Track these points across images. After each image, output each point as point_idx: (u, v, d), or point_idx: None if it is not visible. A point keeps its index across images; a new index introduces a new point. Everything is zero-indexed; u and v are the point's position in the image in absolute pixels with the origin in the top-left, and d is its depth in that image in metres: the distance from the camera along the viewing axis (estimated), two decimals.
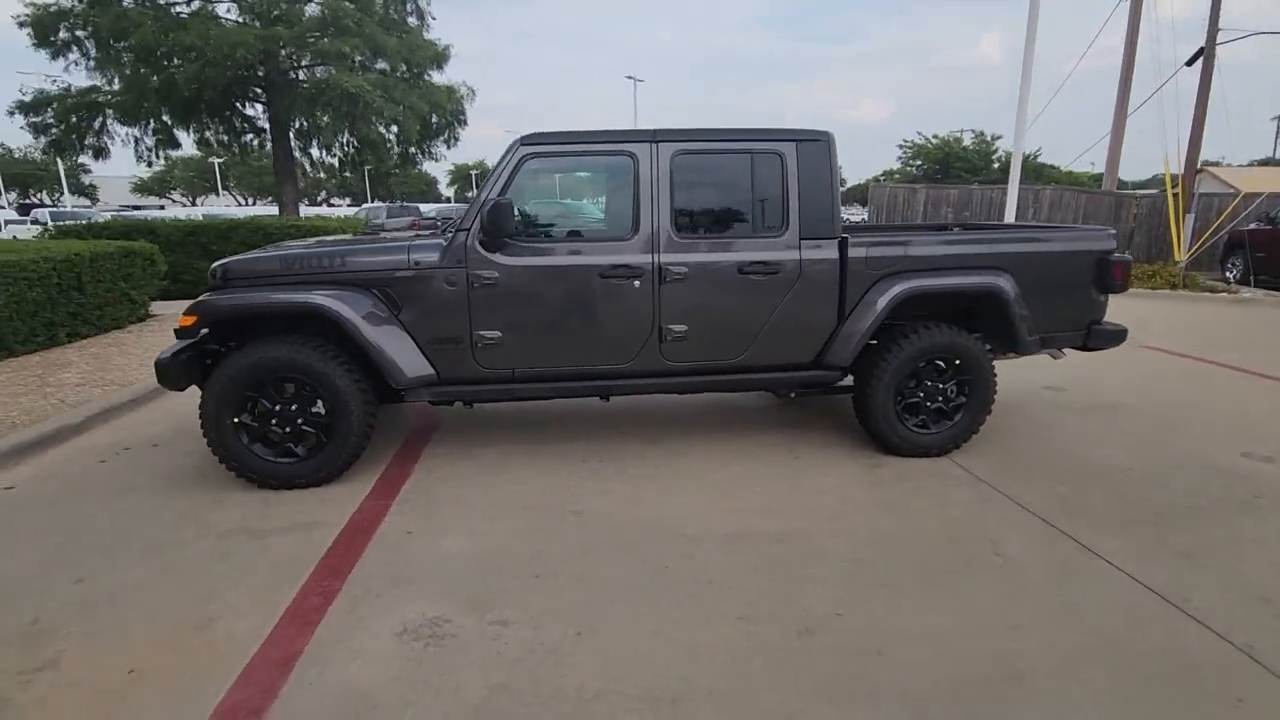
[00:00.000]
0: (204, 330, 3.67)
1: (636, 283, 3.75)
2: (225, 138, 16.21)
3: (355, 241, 4.04)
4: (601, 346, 3.84)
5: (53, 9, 13.22)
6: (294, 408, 3.61)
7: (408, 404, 4.42)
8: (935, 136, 49.49)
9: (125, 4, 12.90)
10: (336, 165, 17.00)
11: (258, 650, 2.36)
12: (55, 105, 14.39)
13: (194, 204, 53.88)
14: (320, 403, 3.61)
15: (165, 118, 14.69)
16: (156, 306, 8.66)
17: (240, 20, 14.15)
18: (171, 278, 8.97)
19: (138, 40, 12.31)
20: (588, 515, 3.41)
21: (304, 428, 3.63)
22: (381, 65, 15.07)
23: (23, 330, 6.33)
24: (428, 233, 4.04)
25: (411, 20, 15.83)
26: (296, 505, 3.49)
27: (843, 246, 3.91)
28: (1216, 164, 28.01)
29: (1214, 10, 13.40)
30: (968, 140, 48.06)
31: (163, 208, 45.80)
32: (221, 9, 14.04)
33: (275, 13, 13.36)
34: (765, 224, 3.88)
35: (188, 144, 16.50)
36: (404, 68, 15.31)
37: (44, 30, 13.23)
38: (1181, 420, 4.79)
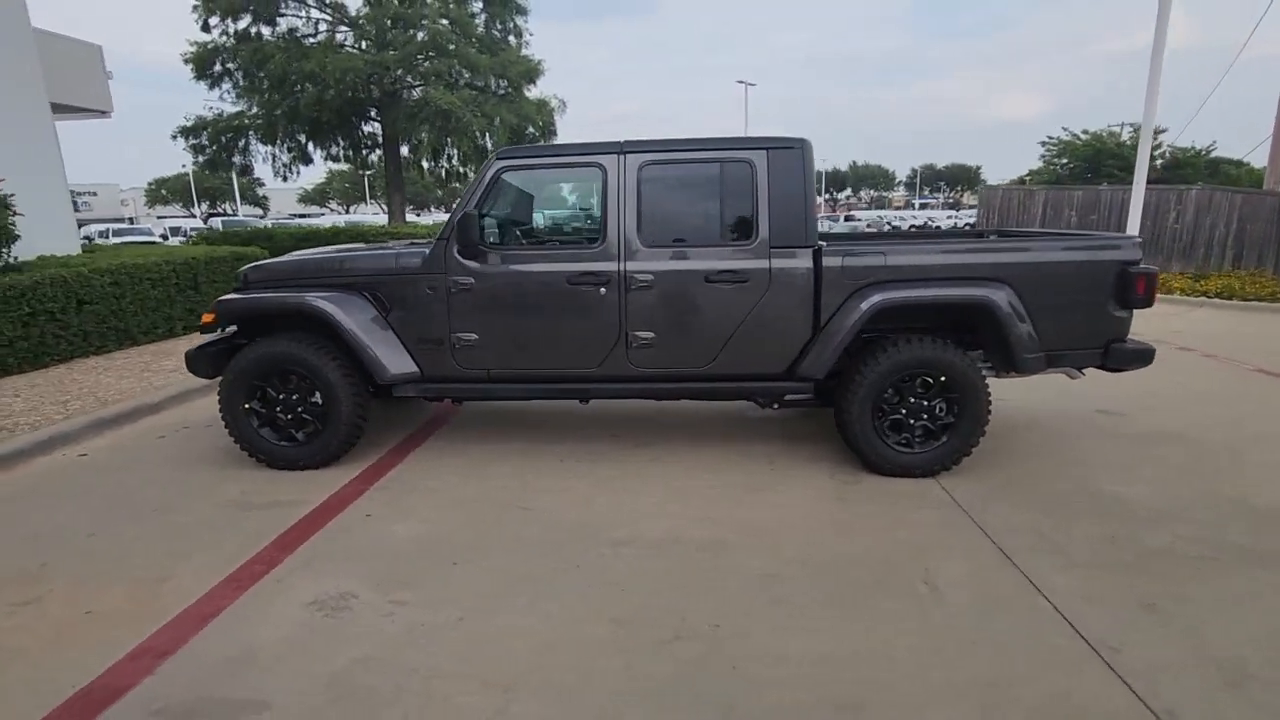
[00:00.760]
0: (230, 328, 4.20)
1: (603, 290, 3.87)
2: (349, 152, 18.04)
3: (357, 249, 4.44)
4: (570, 351, 3.99)
5: (209, 46, 15.38)
6: (295, 397, 4.04)
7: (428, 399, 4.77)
8: (1085, 132, 44.99)
9: (265, 39, 14.78)
10: (443, 175, 18.35)
11: (191, 605, 2.71)
12: (209, 129, 16.66)
13: (347, 211, 59.46)
14: (318, 394, 4.02)
15: (300, 137, 16.62)
16: None
17: (357, 47, 15.71)
18: None
19: (270, 70, 14.06)
20: (535, 512, 3.57)
21: (304, 416, 4.06)
22: (477, 82, 16.11)
23: (145, 323, 7.41)
24: (423, 240, 4.36)
25: (511, 39, 16.82)
26: (289, 484, 3.90)
27: (817, 256, 3.81)
28: None
29: None
30: (1126, 135, 43.33)
31: (323, 215, 51.20)
32: (341, 37, 15.66)
33: (386, 39, 14.72)
34: (734, 233, 3.86)
35: (319, 160, 18.45)
36: (499, 83, 16.30)
37: (202, 65, 15.44)
38: (1243, 458, 4.21)
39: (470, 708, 2.15)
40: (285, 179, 18.26)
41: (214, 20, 15.16)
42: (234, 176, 36.04)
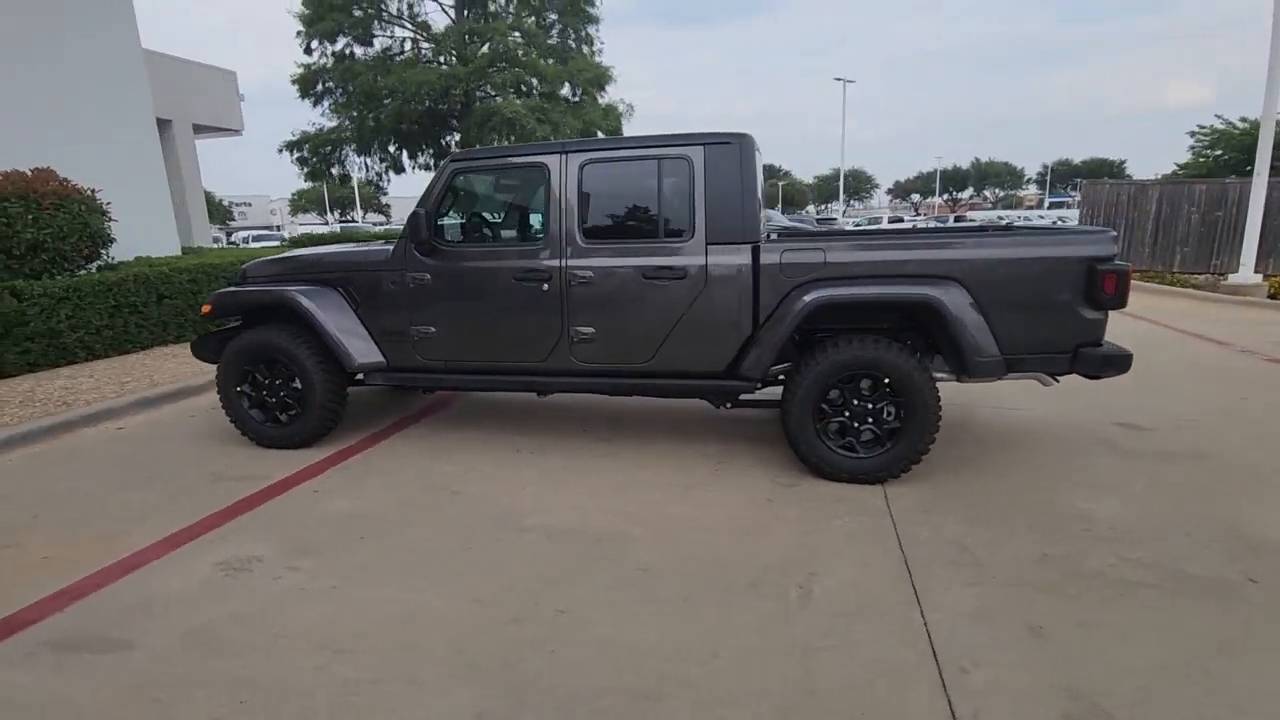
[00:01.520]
0: (232, 320, 4.67)
1: (545, 286, 3.98)
2: (435, 160, 19.19)
3: (341, 247, 4.79)
4: (517, 345, 4.12)
5: (313, 67, 16.97)
6: (279, 383, 4.43)
7: (399, 388, 5.08)
8: (1244, 120, 39.87)
9: (357, 58, 16.14)
10: None
11: (125, 558, 3.07)
12: (309, 143, 18.30)
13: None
14: (297, 379, 4.39)
15: (390, 147, 17.93)
16: None
17: (439, 62, 16.77)
18: None
19: (359, 86, 15.31)
20: (464, 496, 3.73)
21: (286, 400, 4.44)
22: (544, 90, 16.70)
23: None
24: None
25: (584, 48, 17.33)
26: (267, 461, 4.28)
27: (755, 252, 3.74)
28: None
29: None
30: None
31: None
32: (425, 52, 16.77)
33: (462, 52, 15.62)
34: (671, 229, 3.86)
35: (411, 168, 19.77)
36: (574, 90, 16.83)
37: (306, 85, 17.04)
38: (1268, 483, 3.71)
39: (293, 664, 2.32)
40: (379, 186, 19.71)
41: (314, 44, 16.76)
42: (355, 186, 39.12)
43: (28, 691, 2.23)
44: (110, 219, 7.43)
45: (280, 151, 18.89)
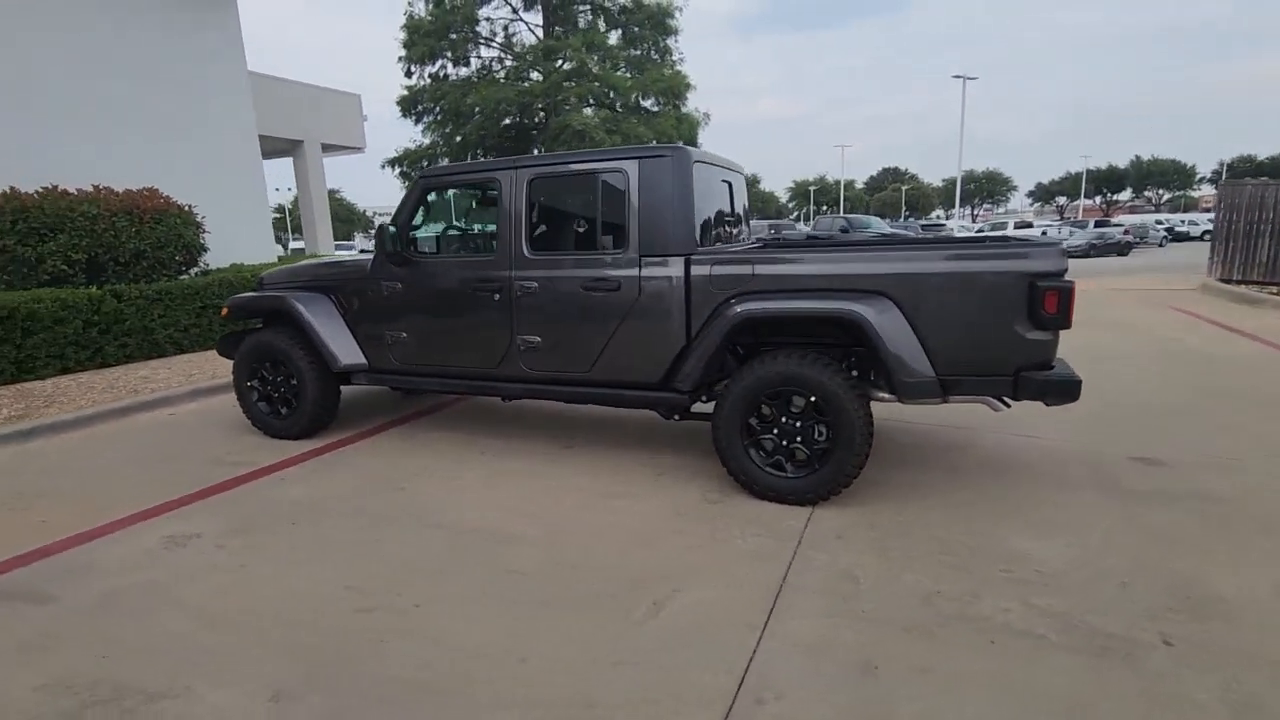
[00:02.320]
0: (254, 321, 5.22)
1: (496, 296, 4.16)
2: None
3: (336, 257, 5.22)
4: (473, 351, 4.33)
5: (414, 89, 18.39)
6: (280, 379, 4.90)
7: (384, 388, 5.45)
8: None
9: (451, 78, 17.32)
10: None
11: (99, 526, 3.55)
12: (408, 158, 19.75)
13: None
14: (294, 377, 4.84)
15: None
16: None
17: (523, 79, 17.61)
18: None
19: (449, 104, 16.37)
20: (406, 492, 3.97)
21: (286, 395, 4.90)
22: (620, 102, 17.03)
23: None
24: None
25: (667, 58, 17.55)
26: (264, 450, 4.75)
27: (688, 265, 3.73)
28: None
29: None
30: None
31: None
32: (512, 70, 17.68)
33: (540, 70, 16.31)
34: (610, 242, 3.92)
35: None
36: (657, 100, 17.06)
37: (407, 105, 18.48)
38: (1276, 534, 3.24)
39: (165, 629, 2.62)
40: None
41: (413, 67, 18.17)
42: None
43: None
44: (204, 231, 8.46)
45: (383, 167, 20.71)
